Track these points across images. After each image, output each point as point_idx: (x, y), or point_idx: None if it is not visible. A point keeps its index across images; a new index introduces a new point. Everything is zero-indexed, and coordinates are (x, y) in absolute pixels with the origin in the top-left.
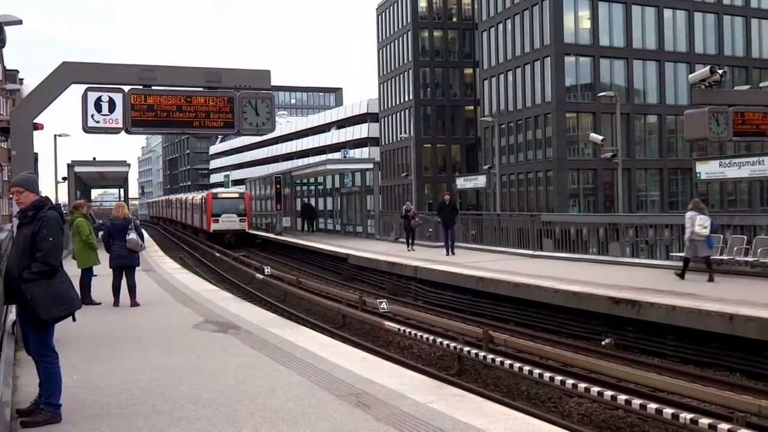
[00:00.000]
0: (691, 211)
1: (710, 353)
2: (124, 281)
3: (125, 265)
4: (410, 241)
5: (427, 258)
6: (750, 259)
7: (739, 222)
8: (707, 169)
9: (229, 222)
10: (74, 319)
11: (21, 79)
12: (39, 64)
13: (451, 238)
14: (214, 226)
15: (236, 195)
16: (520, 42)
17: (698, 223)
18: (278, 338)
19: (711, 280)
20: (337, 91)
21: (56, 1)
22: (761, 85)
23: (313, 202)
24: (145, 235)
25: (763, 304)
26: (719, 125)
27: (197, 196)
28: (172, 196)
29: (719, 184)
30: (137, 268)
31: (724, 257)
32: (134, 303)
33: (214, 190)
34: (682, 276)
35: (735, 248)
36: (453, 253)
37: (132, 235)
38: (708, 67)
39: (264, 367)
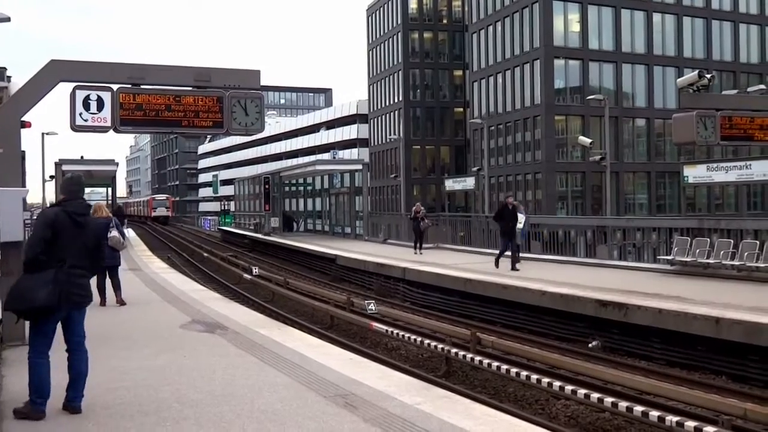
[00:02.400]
0: None
1: (696, 356)
2: (109, 281)
3: (108, 264)
4: (419, 244)
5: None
6: (736, 262)
7: (725, 226)
8: (695, 173)
9: (161, 211)
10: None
11: (9, 77)
12: (27, 61)
13: (512, 250)
14: (153, 213)
15: (165, 198)
16: (509, 44)
17: (518, 219)
18: (266, 339)
19: (518, 262)
20: (326, 92)
21: None
22: (749, 89)
23: (297, 203)
24: (133, 234)
25: (749, 308)
26: (707, 129)
27: (145, 199)
28: (131, 200)
29: (706, 188)
30: (119, 268)
31: (711, 261)
32: (120, 301)
33: (153, 196)
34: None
35: (722, 252)
36: (517, 268)
37: (114, 233)
38: (696, 72)
39: (251, 368)
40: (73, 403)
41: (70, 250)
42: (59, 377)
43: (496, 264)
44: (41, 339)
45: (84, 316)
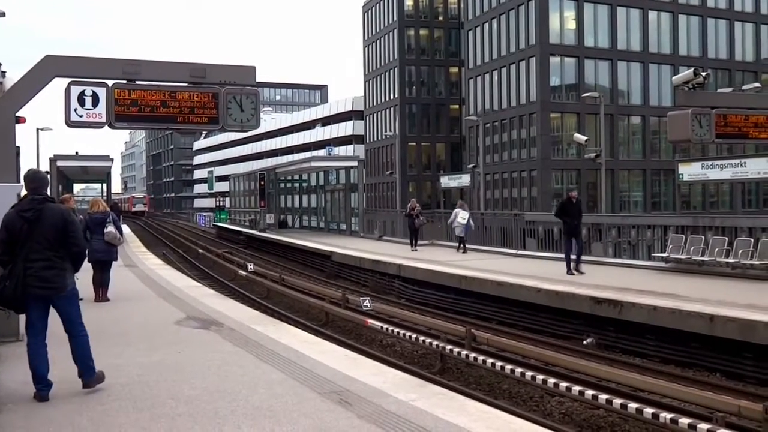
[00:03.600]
0: (457, 208)
1: (691, 353)
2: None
3: (103, 258)
4: (414, 241)
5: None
6: (731, 260)
7: (720, 223)
8: (690, 171)
9: (139, 207)
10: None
11: (3, 72)
12: (22, 57)
13: (578, 251)
14: (133, 209)
15: (143, 196)
16: (505, 41)
17: (460, 216)
18: (261, 335)
19: (464, 252)
20: (322, 88)
21: None
22: (744, 87)
23: (293, 199)
24: (128, 230)
25: (743, 305)
26: (702, 127)
27: (127, 196)
28: (116, 197)
29: (701, 186)
30: (115, 263)
31: (706, 258)
32: (104, 297)
33: (134, 194)
34: (458, 249)
35: (716, 249)
36: (581, 271)
37: (110, 228)
38: (691, 69)
39: (246, 364)
40: (82, 378)
41: (27, 245)
42: (59, 369)
43: (569, 270)
44: (30, 329)
45: (68, 303)
